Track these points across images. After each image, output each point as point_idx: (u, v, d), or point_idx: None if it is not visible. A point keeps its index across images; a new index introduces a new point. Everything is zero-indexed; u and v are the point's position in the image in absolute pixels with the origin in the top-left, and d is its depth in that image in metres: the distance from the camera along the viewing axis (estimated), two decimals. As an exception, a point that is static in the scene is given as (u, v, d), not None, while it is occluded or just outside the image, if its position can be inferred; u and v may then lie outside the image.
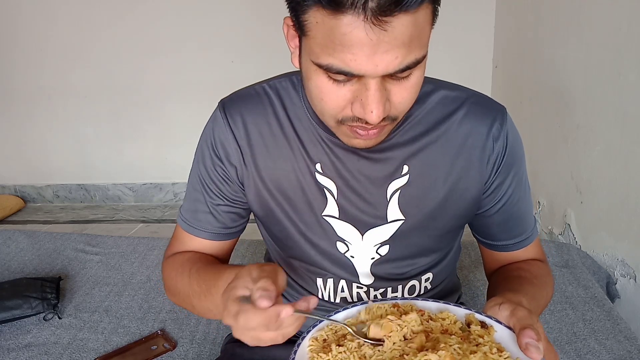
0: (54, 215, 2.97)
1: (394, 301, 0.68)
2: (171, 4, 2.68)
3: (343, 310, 0.66)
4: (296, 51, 0.65)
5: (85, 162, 3.02)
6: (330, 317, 0.64)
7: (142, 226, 2.77)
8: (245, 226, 0.87)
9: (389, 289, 0.82)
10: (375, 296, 0.82)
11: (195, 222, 0.82)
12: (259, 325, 0.55)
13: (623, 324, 1.18)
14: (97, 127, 2.94)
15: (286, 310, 0.55)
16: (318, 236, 0.79)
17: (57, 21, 2.75)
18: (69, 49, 2.79)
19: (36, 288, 1.28)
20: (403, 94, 0.60)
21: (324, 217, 0.77)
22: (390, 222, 0.77)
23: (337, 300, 0.83)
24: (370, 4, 0.51)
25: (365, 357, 0.58)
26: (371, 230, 0.77)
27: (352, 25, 0.53)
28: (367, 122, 0.61)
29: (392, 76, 0.58)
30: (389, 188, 0.75)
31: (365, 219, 0.77)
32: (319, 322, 0.63)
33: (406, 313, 0.64)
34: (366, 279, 0.81)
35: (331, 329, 0.63)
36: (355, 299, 0.83)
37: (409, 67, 0.57)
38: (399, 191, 0.75)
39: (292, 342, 0.60)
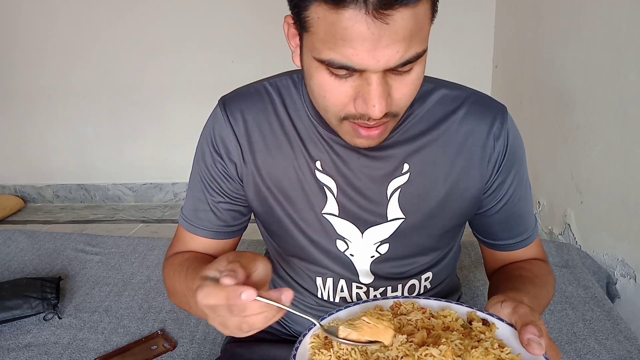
0: (54, 215, 2.97)
1: (395, 300, 0.68)
2: (171, 4, 2.68)
3: (345, 308, 0.67)
4: (297, 50, 0.65)
5: (85, 162, 3.02)
6: (304, 316, 0.59)
7: (142, 226, 2.76)
8: (247, 225, 0.87)
9: (389, 288, 0.82)
10: (375, 296, 0.82)
11: (197, 220, 0.82)
12: (220, 306, 0.53)
13: (623, 324, 1.18)
14: (97, 127, 2.94)
15: (248, 292, 0.51)
16: (318, 234, 0.79)
17: (57, 21, 2.75)
18: (69, 49, 2.80)
19: (36, 288, 1.28)
20: (404, 89, 0.61)
21: (324, 215, 0.77)
22: (390, 220, 0.77)
23: (337, 300, 0.83)
24: None
25: (367, 354, 0.58)
26: (371, 228, 0.77)
27: (354, 20, 0.53)
28: (369, 118, 0.61)
29: (394, 71, 0.58)
30: (389, 186, 0.75)
31: (365, 217, 0.77)
32: (314, 325, 0.62)
33: (407, 313, 0.64)
34: (366, 277, 0.81)
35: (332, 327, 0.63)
36: (354, 299, 0.83)
37: (410, 62, 0.57)
38: (399, 189, 0.75)
39: (293, 342, 0.60)
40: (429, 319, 0.64)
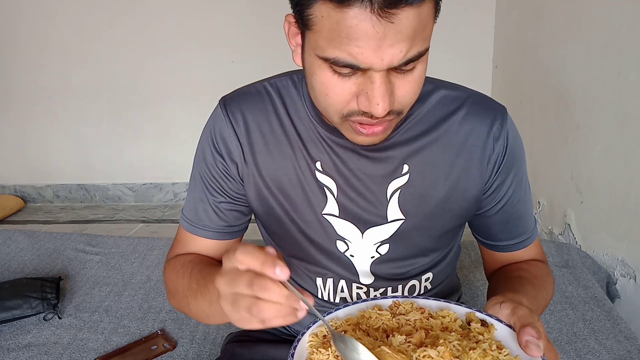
0: (54, 215, 2.97)
1: (394, 299, 0.68)
2: (171, 3, 2.68)
3: (344, 307, 0.67)
4: (297, 49, 0.65)
5: (85, 162, 3.02)
6: (324, 317, 0.59)
7: (142, 226, 2.76)
8: (248, 225, 0.87)
9: (389, 289, 0.82)
10: (375, 296, 0.82)
11: (198, 221, 0.82)
12: (245, 276, 0.51)
13: (623, 324, 1.18)
14: (97, 127, 2.94)
15: (284, 269, 0.50)
16: (318, 234, 0.79)
17: (57, 21, 2.75)
18: (69, 49, 2.79)
19: (36, 288, 1.28)
20: (407, 88, 0.61)
21: (324, 216, 0.77)
22: (390, 221, 0.77)
23: (337, 301, 0.83)
24: None
25: None
26: (371, 228, 0.77)
27: (359, 18, 0.53)
28: (372, 116, 0.61)
29: (397, 69, 0.59)
30: (389, 187, 0.75)
31: (365, 217, 0.77)
32: (318, 320, 0.63)
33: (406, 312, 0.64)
34: (366, 278, 0.81)
35: (331, 325, 0.63)
36: (355, 300, 0.83)
37: (413, 60, 0.58)
38: (399, 190, 0.75)
39: (292, 342, 0.60)
40: (428, 319, 0.64)
